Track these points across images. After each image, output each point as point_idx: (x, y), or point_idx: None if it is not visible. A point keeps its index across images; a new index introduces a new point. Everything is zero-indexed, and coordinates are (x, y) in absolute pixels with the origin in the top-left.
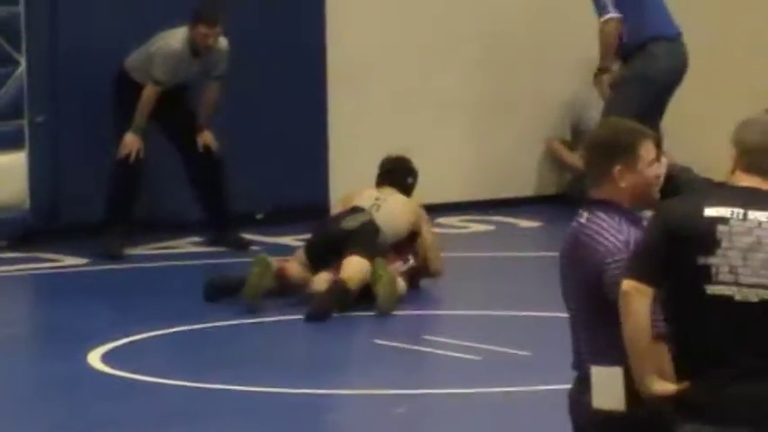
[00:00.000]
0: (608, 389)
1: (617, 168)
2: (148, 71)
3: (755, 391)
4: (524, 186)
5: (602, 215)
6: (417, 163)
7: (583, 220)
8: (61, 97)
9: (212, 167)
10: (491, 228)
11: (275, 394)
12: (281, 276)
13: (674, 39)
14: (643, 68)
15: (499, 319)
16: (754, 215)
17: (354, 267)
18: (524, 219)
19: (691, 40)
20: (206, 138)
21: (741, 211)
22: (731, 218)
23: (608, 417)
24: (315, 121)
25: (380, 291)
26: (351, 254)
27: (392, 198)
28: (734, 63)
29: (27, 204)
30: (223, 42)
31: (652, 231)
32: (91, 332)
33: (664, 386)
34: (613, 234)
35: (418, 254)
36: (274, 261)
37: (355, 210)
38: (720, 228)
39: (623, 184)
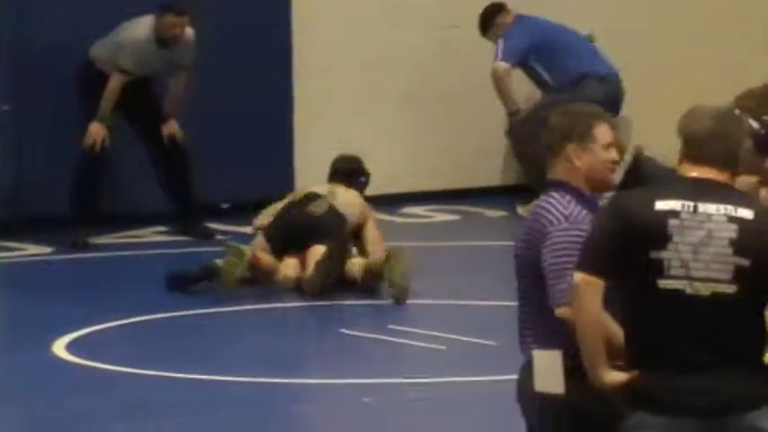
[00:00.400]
0: (548, 372)
1: (571, 146)
2: (114, 60)
3: (704, 383)
4: (490, 176)
5: (554, 194)
6: (383, 154)
7: (538, 202)
8: (25, 87)
9: (177, 157)
10: (456, 217)
11: (242, 384)
12: (254, 265)
13: (606, 77)
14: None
15: (464, 309)
16: (705, 208)
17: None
18: (489, 208)
19: (643, 32)
20: (171, 127)
21: (692, 204)
22: (682, 211)
23: (551, 401)
24: (280, 112)
25: (396, 280)
26: (320, 243)
27: (343, 190)
28: (683, 53)
29: None
30: (190, 33)
31: (603, 224)
32: (55, 322)
33: (615, 376)
34: (558, 209)
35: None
36: (248, 249)
37: (312, 196)
38: (671, 221)
39: (578, 163)
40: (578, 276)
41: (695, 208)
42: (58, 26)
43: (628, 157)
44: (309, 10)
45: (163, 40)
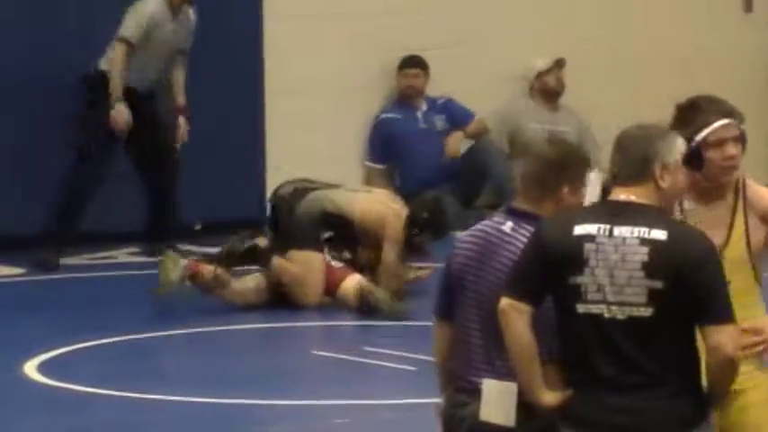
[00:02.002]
0: (500, 403)
1: (565, 190)
2: (119, 33)
3: (629, 404)
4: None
5: (530, 230)
6: (354, 173)
7: (506, 229)
8: None
9: (171, 168)
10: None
11: (214, 405)
12: (193, 275)
13: None
14: None
15: None
16: (619, 231)
17: None
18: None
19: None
20: (183, 127)
21: (607, 227)
22: (597, 235)
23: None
24: (252, 133)
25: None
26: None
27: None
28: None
29: None
30: (192, 14)
31: (527, 250)
32: (27, 343)
33: (552, 396)
34: None
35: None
36: (185, 260)
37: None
38: (587, 246)
39: (562, 205)
40: (504, 301)
41: (611, 231)
42: (25, 49)
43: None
44: (281, 29)
45: (173, 7)
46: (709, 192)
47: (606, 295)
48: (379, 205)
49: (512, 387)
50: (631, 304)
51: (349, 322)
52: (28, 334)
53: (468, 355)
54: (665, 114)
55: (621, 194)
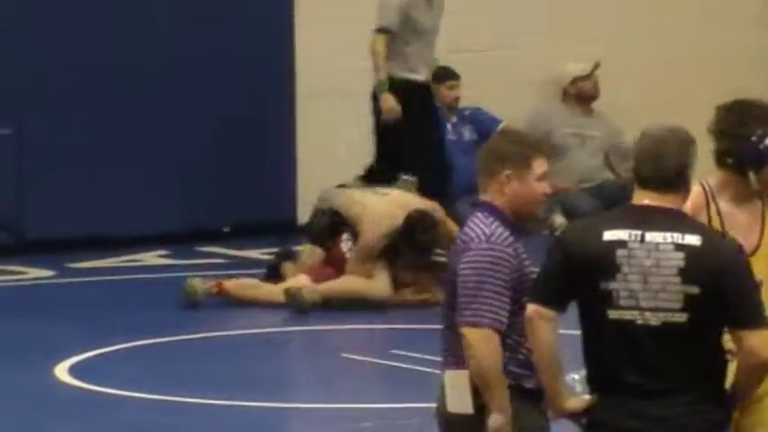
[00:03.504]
0: (458, 392)
1: (505, 173)
2: (376, 22)
3: (657, 410)
4: None
5: (480, 215)
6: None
7: (468, 222)
8: (26, 110)
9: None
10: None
11: (243, 408)
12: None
13: None
14: None
15: None
16: (651, 236)
17: None
18: None
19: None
20: None
21: (639, 233)
22: (629, 241)
23: (462, 421)
24: (283, 137)
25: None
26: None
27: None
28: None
29: None
30: None
31: (554, 255)
32: (57, 345)
33: (575, 402)
34: (481, 228)
35: None
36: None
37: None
38: (619, 252)
39: (507, 191)
40: (531, 308)
41: (642, 237)
42: (60, 50)
43: None
44: (313, 34)
45: None
46: (745, 194)
47: (639, 301)
48: (359, 207)
49: (463, 375)
50: (666, 310)
51: (377, 326)
52: (58, 337)
53: (443, 352)
54: (701, 117)
55: (646, 199)
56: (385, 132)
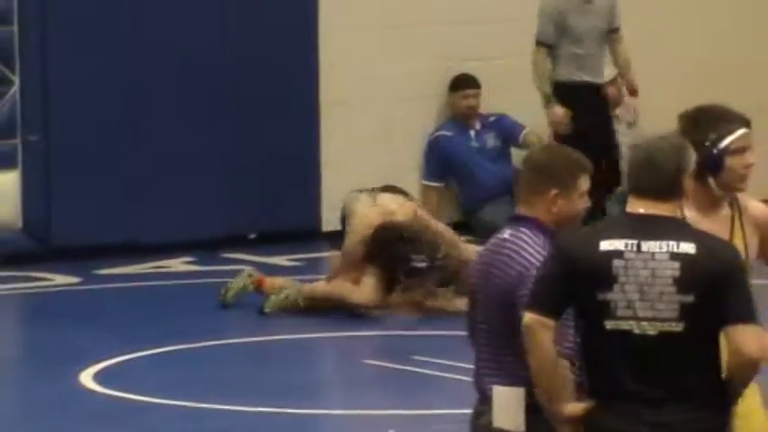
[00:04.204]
0: (509, 409)
1: (553, 192)
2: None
3: (655, 417)
4: None
5: (526, 232)
6: (410, 184)
7: (506, 236)
8: (54, 116)
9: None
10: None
11: (268, 414)
12: (258, 288)
13: None
14: None
15: None
16: (648, 246)
17: None
18: None
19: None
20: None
21: (635, 242)
22: (625, 251)
23: None
24: (307, 144)
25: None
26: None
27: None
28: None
29: (20, 224)
30: None
31: (550, 265)
32: (82, 352)
33: (573, 408)
34: (536, 251)
35: None
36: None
37: None
38: (616, 262)
39: (554, 209)
40: (530, 317)
41: (638, 247)
42: (85, 56)
43: None
44: (337, 42)
45: None
46: (710, 202)
47: (636, 311)
48: (351, 213)
49: (519, 392)
50: (663, 320)
51: (400, 332)
52: (84, 343)
53: (478, 364)
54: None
55: (641, 208)
56: (565, 141)
